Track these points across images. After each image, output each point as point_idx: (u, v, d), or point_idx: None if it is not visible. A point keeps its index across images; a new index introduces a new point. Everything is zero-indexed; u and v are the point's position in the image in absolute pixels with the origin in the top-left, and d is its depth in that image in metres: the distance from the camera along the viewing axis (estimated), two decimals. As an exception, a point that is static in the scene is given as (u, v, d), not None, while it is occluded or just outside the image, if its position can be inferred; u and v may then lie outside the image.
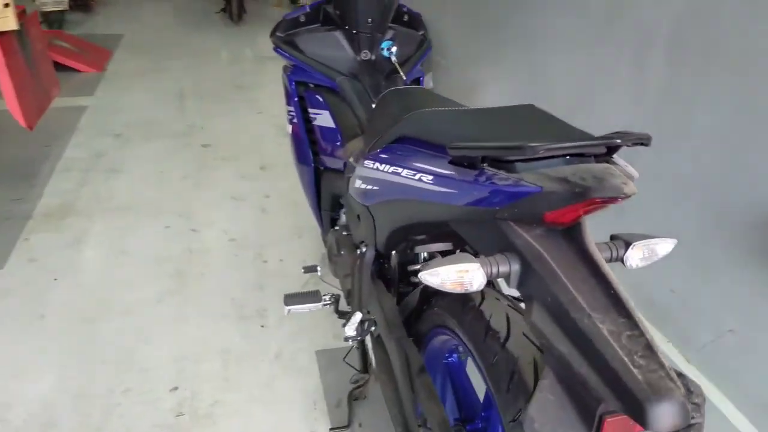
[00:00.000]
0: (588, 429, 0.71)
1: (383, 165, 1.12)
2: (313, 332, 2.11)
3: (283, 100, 1.95)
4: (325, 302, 1.65)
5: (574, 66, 2.35)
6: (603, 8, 2.15)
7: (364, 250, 1.39)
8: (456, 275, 0.80)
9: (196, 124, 4.08)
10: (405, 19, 1.88)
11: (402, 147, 1.12)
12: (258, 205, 3.04)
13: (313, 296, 1.65)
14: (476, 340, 1.00)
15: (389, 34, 1.77)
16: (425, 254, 1.41)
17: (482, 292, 1.10)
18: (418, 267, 1.41)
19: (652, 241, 0.87)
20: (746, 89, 1.62)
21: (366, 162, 1.19)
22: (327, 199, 1.78)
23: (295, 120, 1.78)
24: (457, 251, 1.33)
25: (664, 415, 0.62)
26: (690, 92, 1.79)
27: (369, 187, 1.19)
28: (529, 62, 2.73)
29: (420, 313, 1.30)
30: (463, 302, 1.10)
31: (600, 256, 0.80)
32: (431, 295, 1.25)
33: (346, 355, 1.78)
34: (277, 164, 3.45)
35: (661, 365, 0.67)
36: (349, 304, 1.63)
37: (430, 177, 0.98)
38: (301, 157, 1.80)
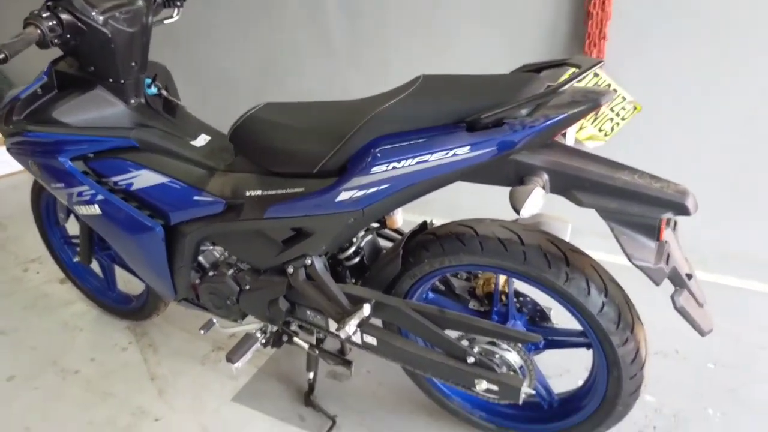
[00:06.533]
0: (654, 238, 1.10)
1: (402, 160, 1.18)
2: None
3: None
4: (261, 338, 1.67)
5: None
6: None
7: (309, 262, 1.42)
8: (542, 199, 1.11)
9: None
10: None
11: (386, 142, 1.19)
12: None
13: (248, 340, 1.65)
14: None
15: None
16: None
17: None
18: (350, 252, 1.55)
19: None
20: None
21: (371, 169, 1.20)
22: (188, 252, 1.59)
23: (99, 196, 1.53)
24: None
25: (693, 203, 1.06)
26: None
27: (373, 189, 1.23)
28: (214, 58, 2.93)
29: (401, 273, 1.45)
30: (461, 239, 1.34)
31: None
32: (411, 252, 1.42)
33: (315, 366, 1.77)
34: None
35: (668, 181, 1.08)
36: (273, 323, 1.64)
37: (467, 148, 1.14)
38: (135, 228, 1.56)
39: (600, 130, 2.07)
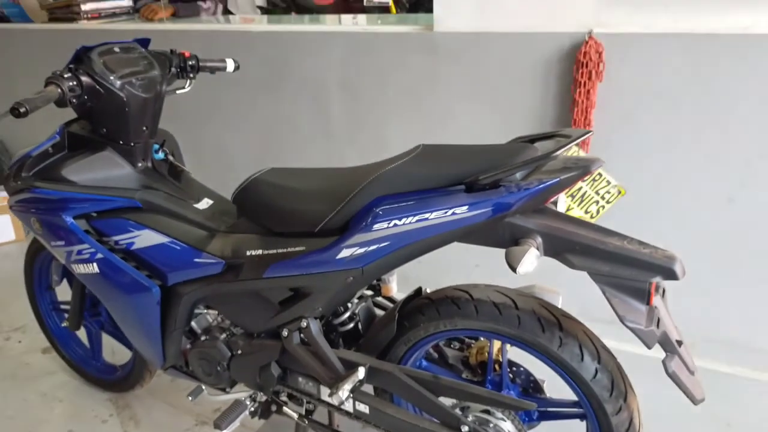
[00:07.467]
0: (644, 301, 1.13)
1: (403, 218, 1.23)
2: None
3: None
4: (250, 406, 1.65)
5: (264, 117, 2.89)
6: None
7: (305, 324, 1.43)
8: (536, 260, 1.15)
9: None
10: None
11: (388, 202, 1.24)
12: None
13: (237, 407, 1.63)
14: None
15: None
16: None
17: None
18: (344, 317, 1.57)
19: None
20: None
21: (374, 226, 1.24)
22: (182, 314, 1.59)
23: (99, 255, 1.54)
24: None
25: (681, 268, 1.08)
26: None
27: (374, 247, 1.27)
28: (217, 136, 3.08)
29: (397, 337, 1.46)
30: (456, 303, 1.37)
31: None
32: (406, 317, 1.45)
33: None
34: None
35: (656, 247, 1.12)
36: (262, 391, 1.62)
37: (465, 207, 1.19)
38: (131, 288, 1.56)
39: (586, 212, 2.15)
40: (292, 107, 2.73)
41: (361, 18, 3.36)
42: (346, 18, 3.48)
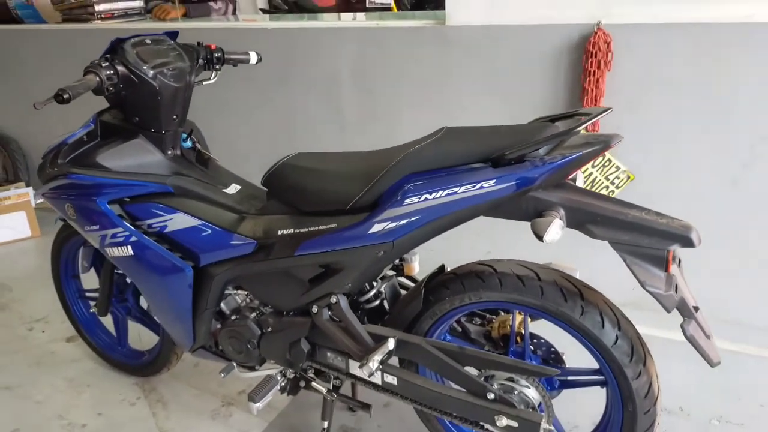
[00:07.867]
0: (663, 268, 1.21)
1: (434, 193, 1.30)
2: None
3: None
4: (281, 381, 1.72)
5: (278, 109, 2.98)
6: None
7: (334, 300, 1.49)
8: (560, 230, 1.22)
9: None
10: None
11: (418, 178, 1.32)
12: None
13: (269, 381, 1.71)
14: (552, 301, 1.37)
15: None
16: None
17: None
18: (370, 294, 1.63)
19: None
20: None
21: (405, 200, 1.31)
22: (214, 294, 1.65)
23: (133, 238, 1.61)
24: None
25: (697, 236, 1.17)
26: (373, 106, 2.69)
27: (405, 221, 1.34)
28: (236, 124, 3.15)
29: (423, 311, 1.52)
30: (481, 276, 1.43)
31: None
32: (432, 291, 1.51)
33: (330, 414, 1.78)
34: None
35: (672, 217, 1.20)
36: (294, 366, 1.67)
37: (492, 181, 1.26)
38: (165, 269, 1.62)
39: (597, 198, 2.22)
40: (306, 102, 2.80)
41: (361, 17, 3.42)
42: (346, 17, 3.54)
